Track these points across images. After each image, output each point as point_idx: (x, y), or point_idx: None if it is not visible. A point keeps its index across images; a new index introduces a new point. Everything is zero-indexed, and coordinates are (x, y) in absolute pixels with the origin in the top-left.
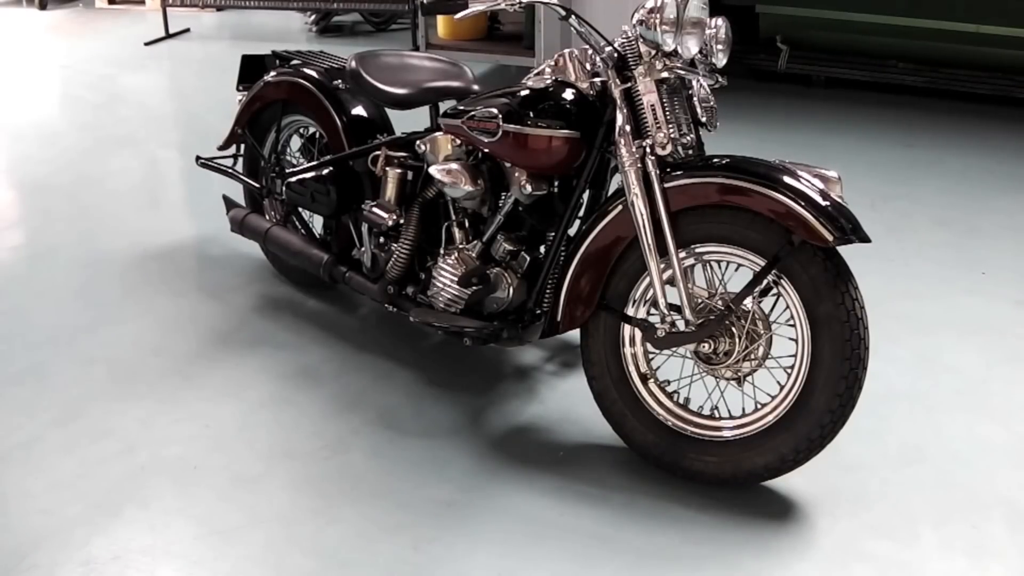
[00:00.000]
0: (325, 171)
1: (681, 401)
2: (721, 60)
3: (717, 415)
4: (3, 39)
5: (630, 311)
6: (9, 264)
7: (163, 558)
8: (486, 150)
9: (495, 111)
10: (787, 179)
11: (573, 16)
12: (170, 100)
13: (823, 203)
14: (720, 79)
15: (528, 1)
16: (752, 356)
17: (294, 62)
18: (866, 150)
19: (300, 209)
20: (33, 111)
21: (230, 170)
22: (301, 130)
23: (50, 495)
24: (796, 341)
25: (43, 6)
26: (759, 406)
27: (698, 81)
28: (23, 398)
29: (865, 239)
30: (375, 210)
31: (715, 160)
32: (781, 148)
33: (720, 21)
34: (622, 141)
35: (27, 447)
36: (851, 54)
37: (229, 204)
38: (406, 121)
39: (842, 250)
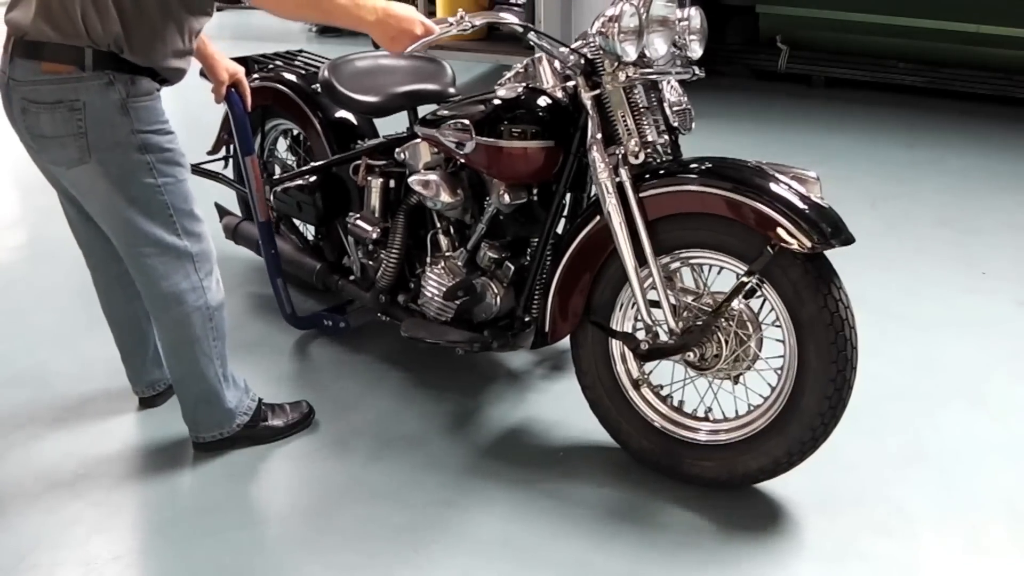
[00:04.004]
0: (309, 180)
1: (675, 404)
2: (696, 51)
3: (711, 418)
4: (2, 39)
5: (617, 317)
6: (9, 264)
7: (162, 558)
8: (462, 160)
9: (467, 123)
10: (764, 184)
11: (532, 32)
12: (169, 101)
13: (801, 207)
14: (697, 71)
15: (480, 24)
16: (742, 357)
17: (275, 64)
18: (866, 150)
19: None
20: None
21: (220, 175)
22: (285, 132)
23: (50, 495)
24: (783, 343)
25: None
26: (751, 408)
27: (668, 83)
28: (23, 398)
29: (848, 241)
30: (359, 223)
31: (691, 165)
32: (781, 148)
33: (693, 11)
34: (594, 148)
35: (27, 447)
36: (851, 54)
37: (222, 212)
38: (393, 121)
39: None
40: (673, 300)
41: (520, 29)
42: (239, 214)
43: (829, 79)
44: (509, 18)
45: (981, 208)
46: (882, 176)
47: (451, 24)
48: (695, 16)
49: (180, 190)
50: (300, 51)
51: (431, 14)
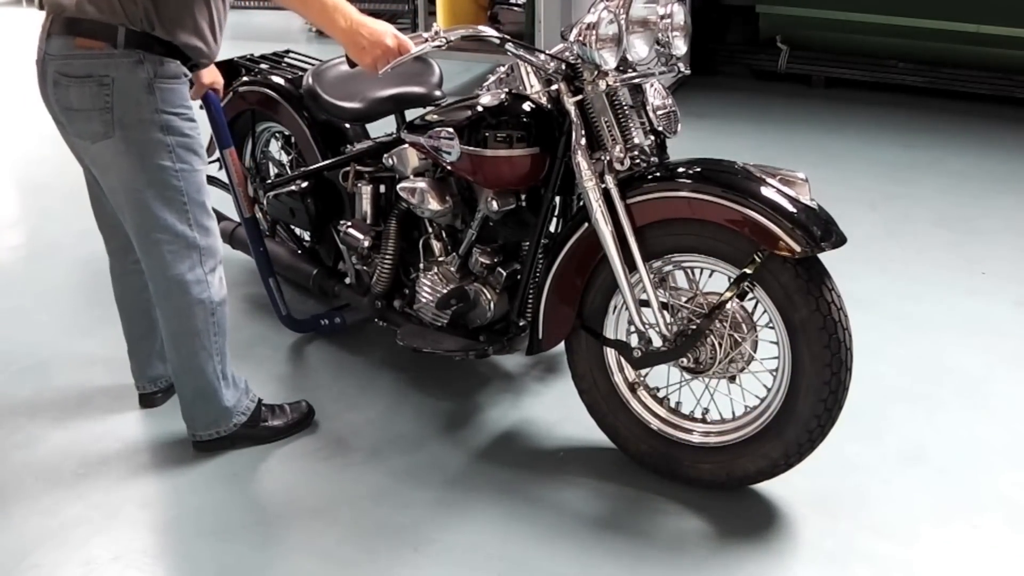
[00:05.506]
0: (300, 186)
1: (672, 406)
2: (680, 48)
3: (709, 420)
4: (3, 39)
5: (611, 320)
6: (9, 264)
7: (163, 558)
8: (449, 168)
9: (452, 132)
10: (751, 188)
11: (510, 43)
12: None
13: (790, 210)
14: (682, 68)
15: (455, 39)
16: (737, 358)
17: (261, 67)
18: (866, 150)
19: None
20: (33, 111)
21: (215, 177)
22: (277, 134)
23: (50, 495)
24: (777, 344)
25: (43, 6)
26: (748, 410)
27: (652, 86)
28: (23, 398)
29: (839, 243)
30: (350, 231)
31: (679, 169)
32: (781, 148)
33: (675, 7)
34: (579, 153)
35: (27, 447)
36: (851, 54)
37: (219, 217)
38: (385, 121)
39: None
40: (665, 299)
41: (497, 41)
42: (236, 219)
43: (829, 79)
44: (486, 31)
45: (981, 208)
46: (882, 176)
47: (426, 40)
48: (678, 12)
49: (195, 179)
50: (287, 51)
51: (431, 14)
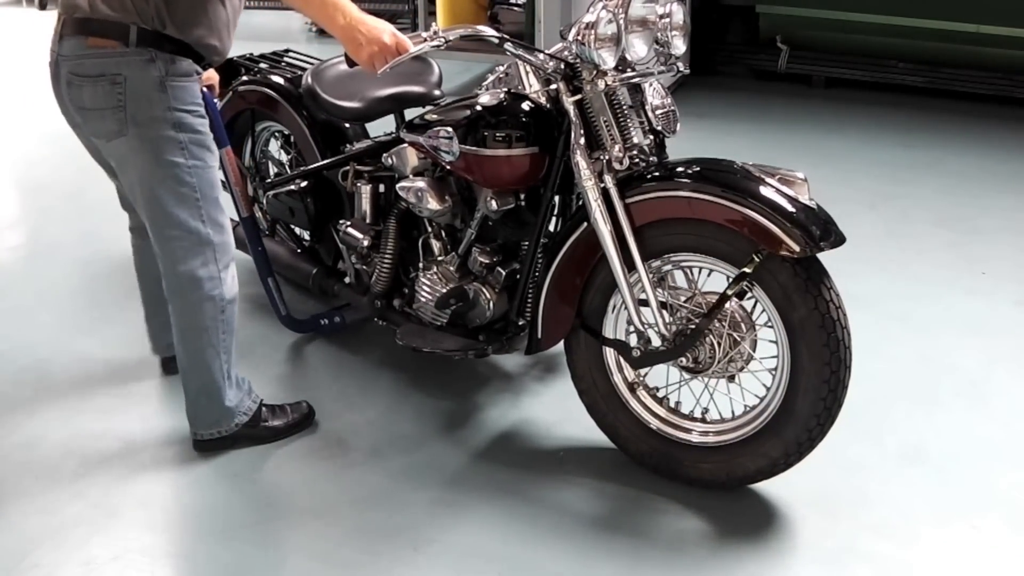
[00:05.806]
0: (299, 185)
1: (672, 406)
2: (680, 47)
3: (708, 420)
4: (3, 39)
5: (610, 320)
6: (9, 264)
7: (163, 558)
8: (448, 167)
9: (451, 131)
10: (751, 188)
11: (508, 43)
12: None
13: (789, 210)
14: (681, 68)
15: (453, 38)
16: (736, 357)
17: (261, 66)
18: (866, 150)
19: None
20: (33, 111)
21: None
22: (276, 133)
23: (50, 494)
24: (776, 344)
25: (43, 6)
26: (748, 409)
27: (651, 85)
28: (23, 398)
29: (838, 242)
30: (350, 230)
31: (678, 169)
32: (781, 148)
33: (674, 6)
34: (578, 153)
35: (27, 447)
36: (851, 54)
37: None
38: (385, 119)
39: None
40: (664, 298)
41: (496, 41)
42: (235, 218)
43: (829, 79)
44: (485, 31)
45: (980, 208)
46: (881, 176)
47: (424, 39)
48: (677, 11)
49: (208, 176)
50: (287, 51)
51: (431, 14)
